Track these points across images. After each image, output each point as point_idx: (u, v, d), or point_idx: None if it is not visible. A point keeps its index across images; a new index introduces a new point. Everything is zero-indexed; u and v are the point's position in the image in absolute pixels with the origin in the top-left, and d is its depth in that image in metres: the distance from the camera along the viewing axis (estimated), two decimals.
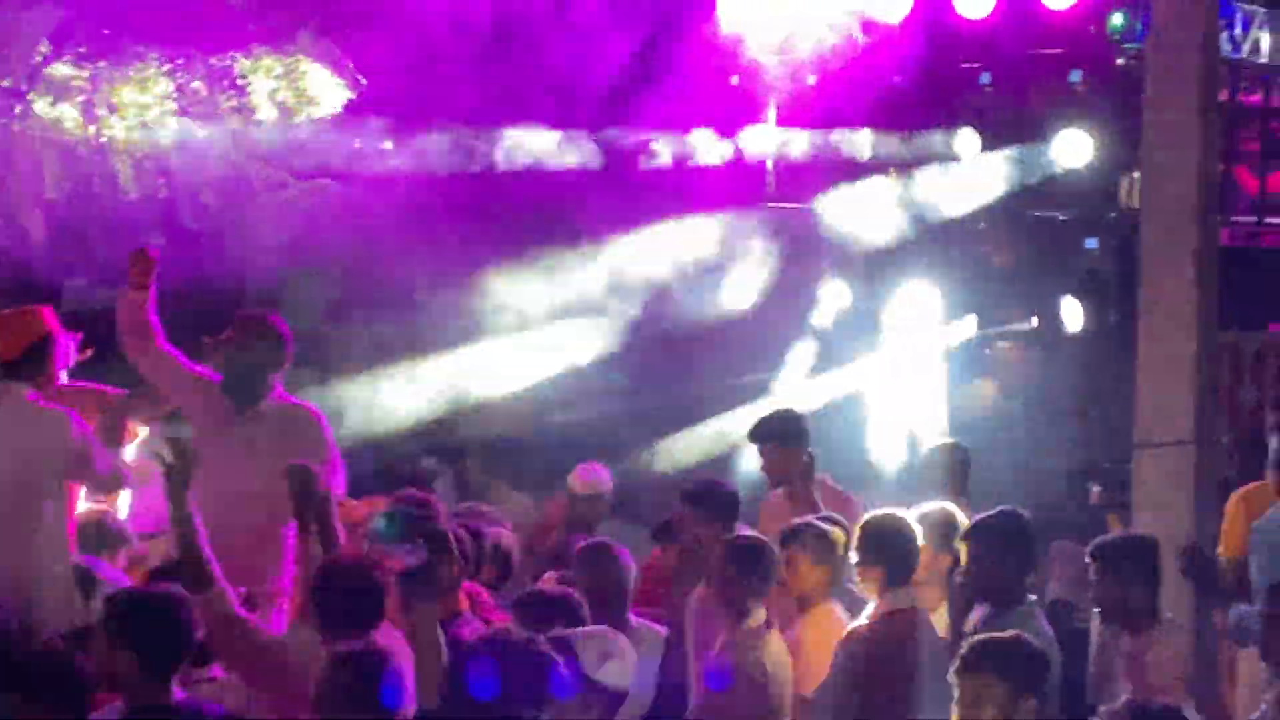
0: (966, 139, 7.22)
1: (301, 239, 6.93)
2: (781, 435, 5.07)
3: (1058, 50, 7.18)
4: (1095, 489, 5.45)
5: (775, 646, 3.85)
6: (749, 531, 4.39)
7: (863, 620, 3.78)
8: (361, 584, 3.00)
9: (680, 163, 7.69)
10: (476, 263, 7.29)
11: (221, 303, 6.15)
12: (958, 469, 5.12)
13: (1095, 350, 6.82)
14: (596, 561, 4.05)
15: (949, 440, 5.42)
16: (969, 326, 7.04)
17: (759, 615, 3.86)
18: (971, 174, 7.34)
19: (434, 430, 7.15)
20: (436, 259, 7.12)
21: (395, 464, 6.58)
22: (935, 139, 7.29)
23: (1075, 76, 7.33)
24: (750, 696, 3.72)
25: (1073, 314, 7.09)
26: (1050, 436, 6.29)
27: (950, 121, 7.29)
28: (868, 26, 7.09)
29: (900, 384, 6.85)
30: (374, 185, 7.08)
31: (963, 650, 2.86)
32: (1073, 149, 7.14)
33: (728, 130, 7.71)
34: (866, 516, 4.07)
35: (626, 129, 7.53)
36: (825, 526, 4.12)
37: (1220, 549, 4.72)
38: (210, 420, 4.07)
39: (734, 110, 7.77)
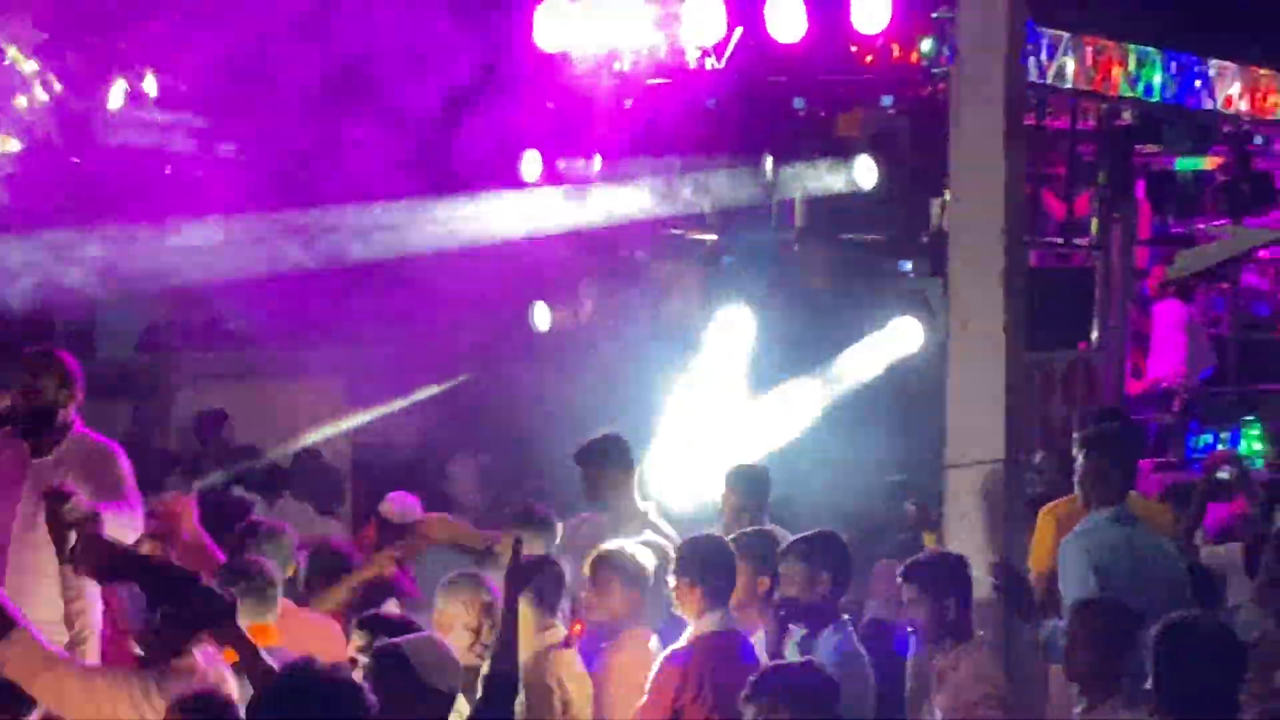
0: (774, 163, 7.49)
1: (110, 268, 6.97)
2: (601, 457, 5.23)
3: (869, 75, 7.43)
4: (910, 507, 5.65)
5: (569, 665, 3.95)
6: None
7: (681, 643, 3.83)
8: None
9: (509, 187, 7.87)
10: (299, 292, 7.42)
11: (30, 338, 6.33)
12: (758, 491, 5.29)
13: (914, 369, 7.07)
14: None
15: (748, 463, 5.62)
16: (783, 349, 7.26)
17: (557, 633, 3.99)
18: (780, 196, 7.63)
19: (247, 460, 7.16)
20: (256, 287, 7.24)
21: (204, 495, 6.55)
22: (749, 162, 7.54)
23: (887, 100, 7.61)
24: (541, 712, 3.80)
25: (892, 335, 7.37)
26: (871, 456, 6.49)
27: (763, 145, 7.50)
28: (679, 51, 7.32)
29: (716, 407, 7.03)
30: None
31: (751, 678, 2.91)
32: (884, 172, 7.44)
33: (551, 154, 7.92)
34: (685, 538, 4.23)
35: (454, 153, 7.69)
36: (635, 550, 4.22)
37: (1030, 564, 4.86)
38: (9, 466, 4.25)
39: (557, 133, 7.97)
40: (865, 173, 7.46)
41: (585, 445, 5.38)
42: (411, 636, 3.08)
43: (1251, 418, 8.51)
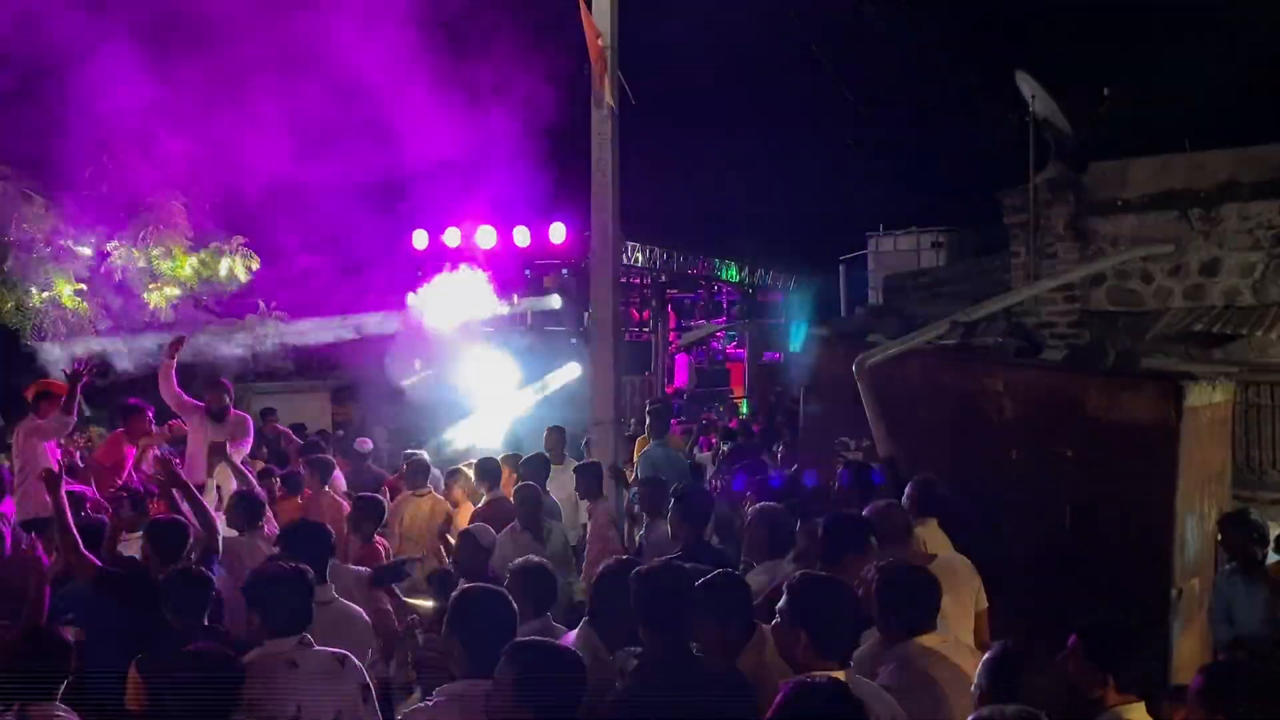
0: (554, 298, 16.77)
1: None
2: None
3: (557, 259, 17.17)
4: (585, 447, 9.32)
5: None
6: None
7: None
8: None
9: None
10: None
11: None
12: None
13: (577, 384, 16.46)
14: None
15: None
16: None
17: None
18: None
19: None
20: None
21: None
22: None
23: (565, 270, 17.36)
24: None
25: (568, 369, 16.75)
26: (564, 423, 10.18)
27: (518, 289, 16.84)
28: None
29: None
30: None
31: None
32: (565, 300, 17.05)
33: None
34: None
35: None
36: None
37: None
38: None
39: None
40: (556, 300, 17.15)
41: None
42: None
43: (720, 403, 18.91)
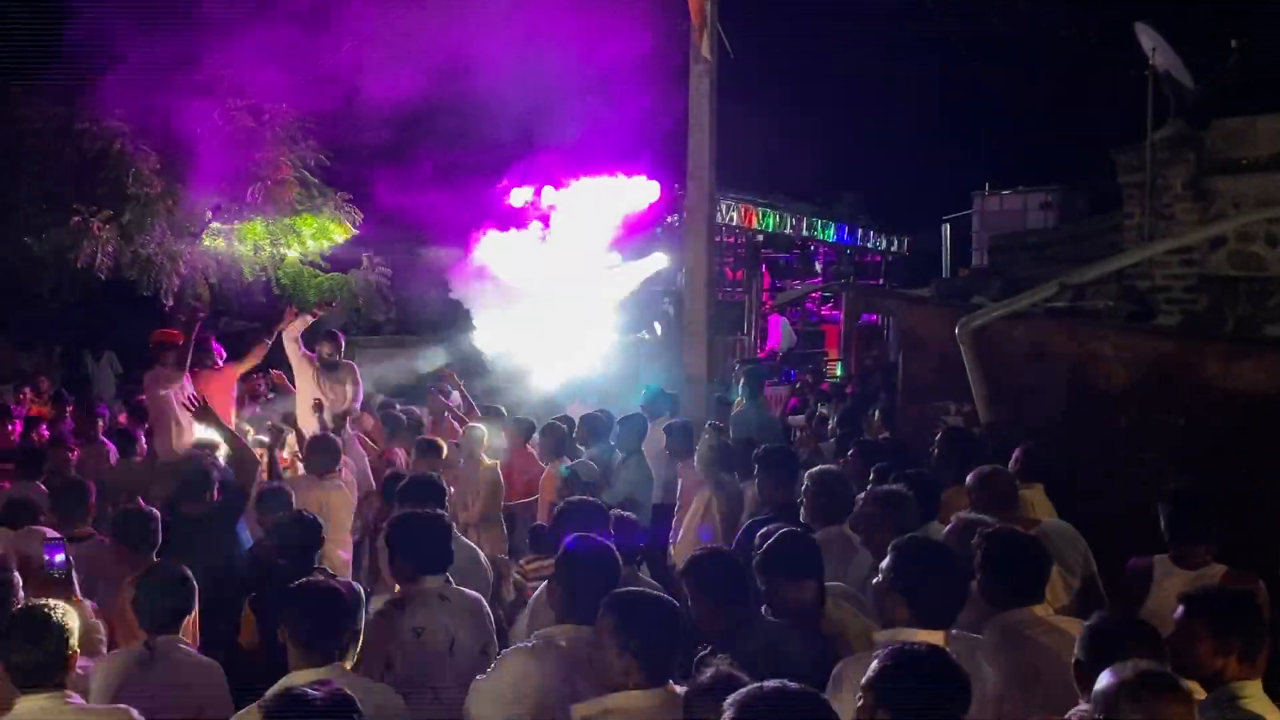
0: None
1: None
2: None
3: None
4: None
5: None
6: None
7: None
8: None
9: None
10: None
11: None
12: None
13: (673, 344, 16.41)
14: None
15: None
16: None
17: None
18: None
19: None
20: None
21: None
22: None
23: (658, 230, 17.22)
24: None
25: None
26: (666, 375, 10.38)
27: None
28: None
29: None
30: None
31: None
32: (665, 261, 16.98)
33: None
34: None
35: None
36: None
37: None
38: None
39: None
40: (662, 259, 17.04)
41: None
42: None
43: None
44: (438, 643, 3.75)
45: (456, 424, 8.55)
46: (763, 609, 3.52)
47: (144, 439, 8.33)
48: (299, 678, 2.97)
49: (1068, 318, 7.05)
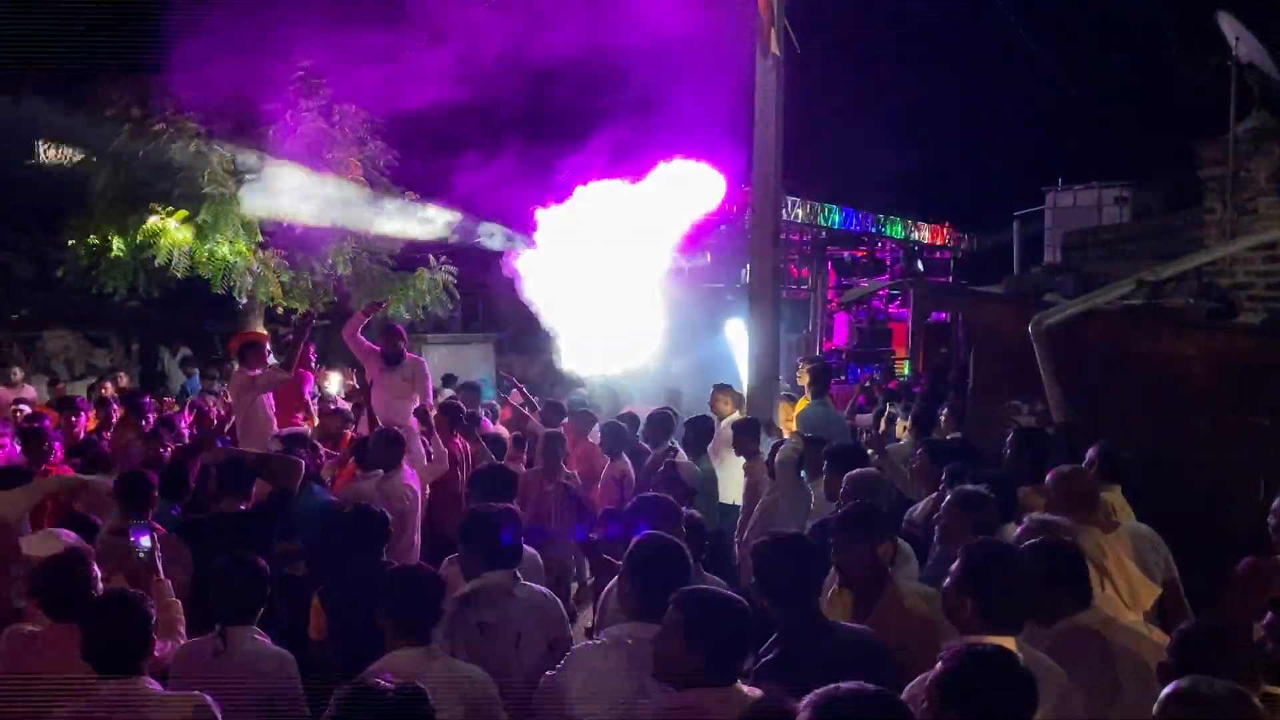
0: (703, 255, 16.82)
1: None
2: None
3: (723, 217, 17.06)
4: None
5: None
6: None
7: None
8: None
9: None
10: None
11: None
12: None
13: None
14: None
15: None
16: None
17: None
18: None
19: None
20: None
21: None
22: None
23: (722, 227, 17.16)
24: None
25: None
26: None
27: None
28: None
29: None
30: None
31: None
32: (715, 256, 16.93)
33: None
34: None
35: None
36: None
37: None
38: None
39: None
40: (705, 257, 17.01)
41: None
42: None
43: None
44: (504, 638, 3.75)
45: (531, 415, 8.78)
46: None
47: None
48: (400, 657, 3.21)
49: (1146, 315, 6.86)
